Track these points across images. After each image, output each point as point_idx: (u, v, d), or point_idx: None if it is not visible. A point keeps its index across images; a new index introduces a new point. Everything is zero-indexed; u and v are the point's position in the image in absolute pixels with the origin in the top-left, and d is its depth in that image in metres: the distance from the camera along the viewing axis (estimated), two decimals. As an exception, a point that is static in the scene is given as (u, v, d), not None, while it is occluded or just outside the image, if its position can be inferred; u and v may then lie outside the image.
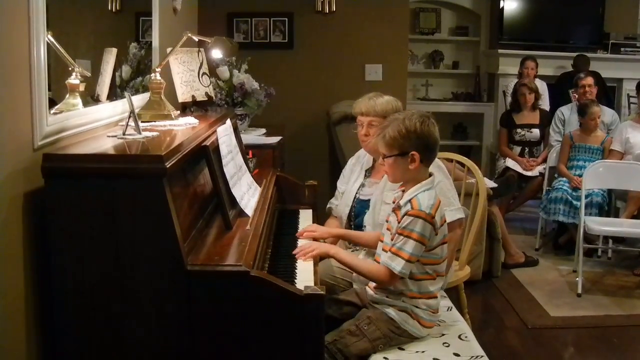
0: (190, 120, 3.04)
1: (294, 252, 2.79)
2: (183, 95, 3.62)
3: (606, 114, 6.53)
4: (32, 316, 2.20)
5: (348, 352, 2.61)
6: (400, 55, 6.44)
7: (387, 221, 2.79)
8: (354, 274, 3.01)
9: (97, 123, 2.73)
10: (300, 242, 3.00)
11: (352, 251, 3.34)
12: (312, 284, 2.43)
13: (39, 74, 2.21)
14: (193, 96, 3.65)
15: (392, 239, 2.66)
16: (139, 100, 3.18)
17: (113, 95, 3.07)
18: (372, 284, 2.79)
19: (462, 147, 8.33)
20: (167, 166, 2.14)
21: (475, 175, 3.90)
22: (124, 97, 2.91)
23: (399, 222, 2.64)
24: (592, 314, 4.66)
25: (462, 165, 4.02)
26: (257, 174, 3.57)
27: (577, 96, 6.59)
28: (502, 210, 5.91)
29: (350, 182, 3.48)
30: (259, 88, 4.79)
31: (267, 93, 4.84)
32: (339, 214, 3.48)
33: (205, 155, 2.69)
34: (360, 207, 3.36)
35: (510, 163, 6.60)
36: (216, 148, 2.79)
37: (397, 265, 2.60)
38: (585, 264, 5.29)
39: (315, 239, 3.06)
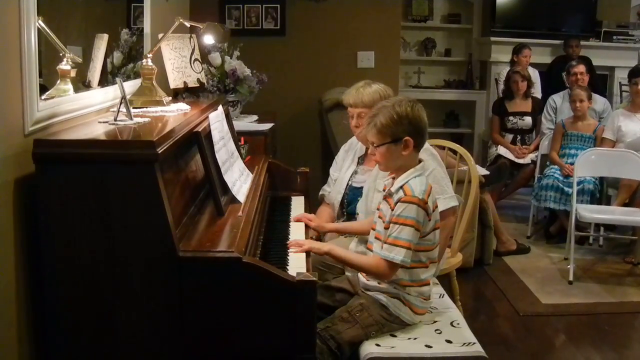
0: (182, 107, 3.03)
1: (287, 243, 2.78)
2: (175, 82, 3.61)
3: (598, 102, 6.54)
4: (23, 303, 2.20)
5: (340, 339, 2.60)
6: (392, 43, 6.43)
7: (378, 209, 2.78)
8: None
9: (89, 109, 2.72)
10: (292, 229, 3.01)
11: (345, 238, 3.34)
12: (304, 270, 2.43)
13: (30, 60, 2.19)
14: (185, 82, 3.64)
15: (385, 227, 2.65)
16: (131, 86, 3.17)
17: (104, 82, 3.05)
18: (364, 271, 2.79)
19: (454, 135, 8.32)
20: (159, 152, 2.13)
21: (468, 163, 3.90)
22: (116, 83, 2.90)
23: (392, 210, 2.63)
24: (584, 301, 4.68)
25: (454, 152, 4.02)
26: (249, 160, 3.56)
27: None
28: (494, 197, 5.92)
29: (343, 169, 3.48)
30: (251, 75, 4.78)
31: (259, 80, 4.83)
32: (331, 201, 3.48)
33: (197, 141, 2.68)
34: (352, 195, 3.36)
35: (502, 151, 6.61)
36: (208, 134, 2.78)
37: (398, 255, 2.57)
38: (577, 252, 5.31)
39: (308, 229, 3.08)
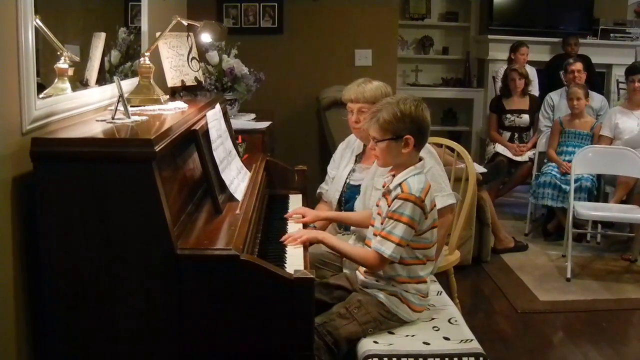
0: (179, 105, 3.03)
1: (281, 240, 2.77)
2: (172, 80, 3.60)
3: (595, 99, 6.55)
4: (22, 301, 2.19)
5: (337, 335, 2.60)
6: (390, 41, 6.43)
7: (377, 205, 2.79)
8: (345, 258, 3.01)
9: (86, 107, 2.72)
10: (290, 228, 3.00)
11: (342, 235, 3.35)
12: (302, 268, 2.43)
13: (27, 58, 2.19)
14: (182, 81, 3.64)
15: (382, 223, 2.66)
16: (128, 84, 3.17)
17: (102, 80, 3.05)
18: (362, 269, 2.80)
19: (452, 133, 8.31)
20: (157, 150, 2.13)
21: (465, 160, 3.90)
22: (113, 82, 2.90)
23: (389, 206, 2.64)
24: (581, 298, 4.69)
25: (452, 150, 4.02)
26: (247, 159, 3.56)
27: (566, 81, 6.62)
28: (491, 195, 5.92)
29: (341, 167, 3.48)
30: (248, 73, 4.78)
31: (257, 78, 4.83)
32: (329, 199, 3.48)
33: (194, 139, 2.68)
34: (350, 193, 3.36)
35: (500, 148, 6.62)
36: (205, 132, 2.78)
37: (387, 249, 2.60)
38: (575, 249, 5.32)
39: (304, 224, 3.06)
